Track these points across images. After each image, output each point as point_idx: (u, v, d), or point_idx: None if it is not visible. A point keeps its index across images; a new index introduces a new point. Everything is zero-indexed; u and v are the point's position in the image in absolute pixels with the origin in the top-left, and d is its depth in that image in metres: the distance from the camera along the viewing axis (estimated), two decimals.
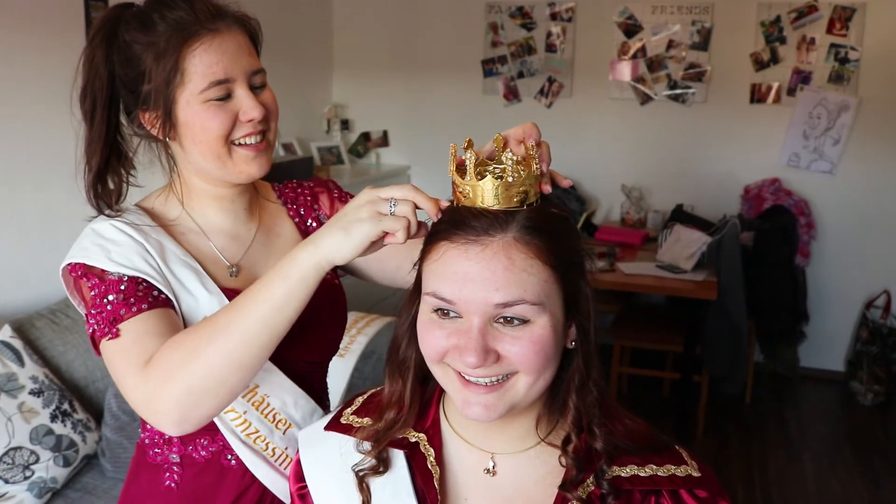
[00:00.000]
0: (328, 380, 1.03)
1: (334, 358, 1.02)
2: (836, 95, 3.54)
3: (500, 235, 0.66)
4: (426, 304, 0.69)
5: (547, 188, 0.71)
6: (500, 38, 3.87)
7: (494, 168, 0.70)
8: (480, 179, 0.67)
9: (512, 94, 3.93)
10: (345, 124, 4.07)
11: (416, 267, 0.72)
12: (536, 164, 0.69)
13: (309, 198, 1.06)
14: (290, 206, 1.04)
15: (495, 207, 0.67)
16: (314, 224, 1.03)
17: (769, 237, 3.39)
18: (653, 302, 3.71)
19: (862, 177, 3.61)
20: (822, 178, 3.65)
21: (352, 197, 0.86)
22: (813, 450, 3.10)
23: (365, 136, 4.04)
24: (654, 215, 3.77)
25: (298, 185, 1.08)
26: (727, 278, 3.01)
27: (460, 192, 0.69)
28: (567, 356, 0.70)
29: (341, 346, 1.42)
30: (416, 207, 0.72)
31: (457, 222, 0.67)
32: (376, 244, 0.73)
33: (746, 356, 3.28)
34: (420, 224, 0.72)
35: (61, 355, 1.96)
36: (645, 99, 3.79)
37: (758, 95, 3.66)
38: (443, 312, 0.68)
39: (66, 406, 1.84)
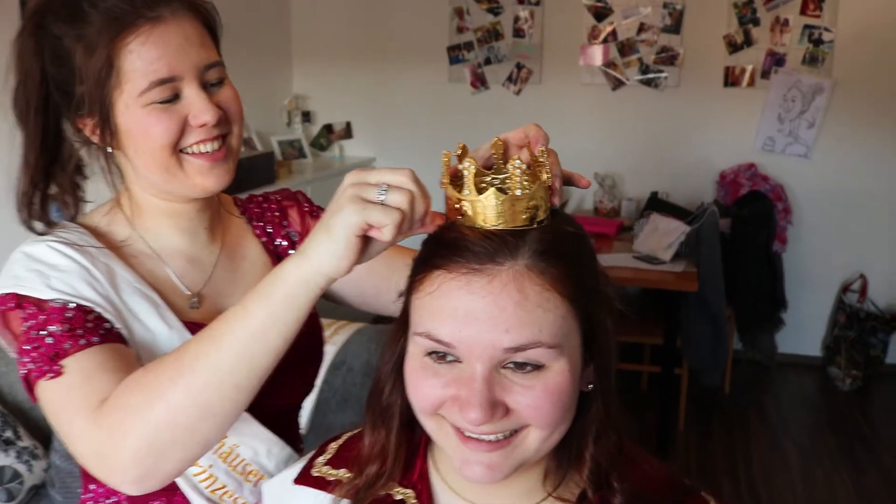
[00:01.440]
0: None
1: None
2: (811, 78, 3.56)
3: (510, 263, 0.60)
4: (417, 346, 0.63)
5: (556, 201, 0.65)
6: (465, 24, 3.84)
7: (493, 179, 0.65)
8: (481, 193, 0.61)
9: (479, 82, 3.90)
10: (306, 116, 4.04)
11: (403, 297, 0.65)
12: (548, 174, 0.64)
13: (277, 213, 0.98)
14: (255, 223, 0.96)
15: (500, 227, 0.61)
16: (284, 243, 0.96)
17: (747, 224, 3.39)
18: (629, 293, 3.63)
19: (837, 160, 3.63)
20: (797, 162, 3.67)
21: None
22: (794, 438, 3.12)
23: (327, 129, 4.03)
24: (629, 203, 3.76)
25: (264, 198, 1.00)
26: (707, 268, 3.00)
27: (456, 209, 0.63)
28: (582, 399, 0.64)
29: None
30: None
31: (455, 246, 0.61)
32: (371, 246, 0.64)
33: (727, 346, 3.28)
34: (427, 214, 0.64)
35: (3, 376, 1.84)
36: (616, 84, 3.79)
37: (731, 79, 3.66)
38: (439, 356, 0.61)
39: (8, 433, 1.73)
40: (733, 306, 3.40)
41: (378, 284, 0.87)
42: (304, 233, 0.95)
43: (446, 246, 0.62)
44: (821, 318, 3.74)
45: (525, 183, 0.63)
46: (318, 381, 0.96)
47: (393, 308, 0.69)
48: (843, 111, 3.56)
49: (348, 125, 4.03)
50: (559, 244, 0.62)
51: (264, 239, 0.95)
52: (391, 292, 0.72)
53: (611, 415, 0.64)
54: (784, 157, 3.68)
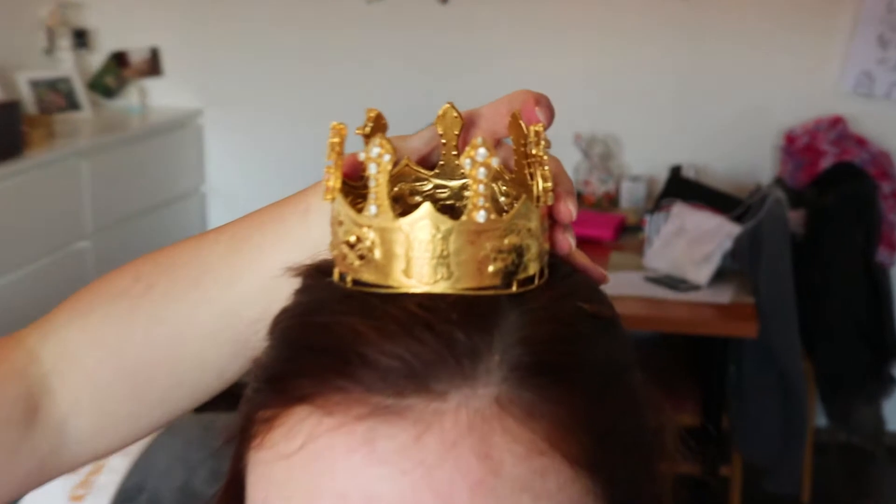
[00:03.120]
0: None
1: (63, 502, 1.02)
2: None
3: (462, 392, 0.57)
4: None
5: (566, 243, 0.67)
6: None
7: (436, 189, 0.70)
8: (405, 214, 0.60)
9: None
10: (80, 38, 4.03)
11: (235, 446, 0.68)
12: (546, 181, 0.63)
13: None
14: None
15: (439, 290, 0.59)
16: None
17: (832, 218, 3.38)
18: (642, 339, 3.51)
19: None
20: None
21: None
22: None
23: (118, 60, 4.06)
24: (633, 186, 3.74)
25: None
26: (771, 295, 2.99)
27: (348, 246, 0.62)
28: None
29: (77, 478, 1.57)
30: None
31: (338, 349, 0.58)
32: None
33: (805, 426, 3.25)
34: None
35: None
36: None
37: None
38: None
39: None
40: (813, 358, 3.43)
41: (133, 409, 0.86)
42: None
43: (319, 346, 0.60)
44: None
45: (501, 198, 0.67)
46: None
47: (222, 382, 0.79)
48: None
49: (154, 55, 4.04)
50: (565, 345, 0.61)
51: None
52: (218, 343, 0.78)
53: None
54: (891, 104, 3.70)
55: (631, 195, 3.74)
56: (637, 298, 2.98)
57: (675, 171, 3.62)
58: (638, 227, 3.44)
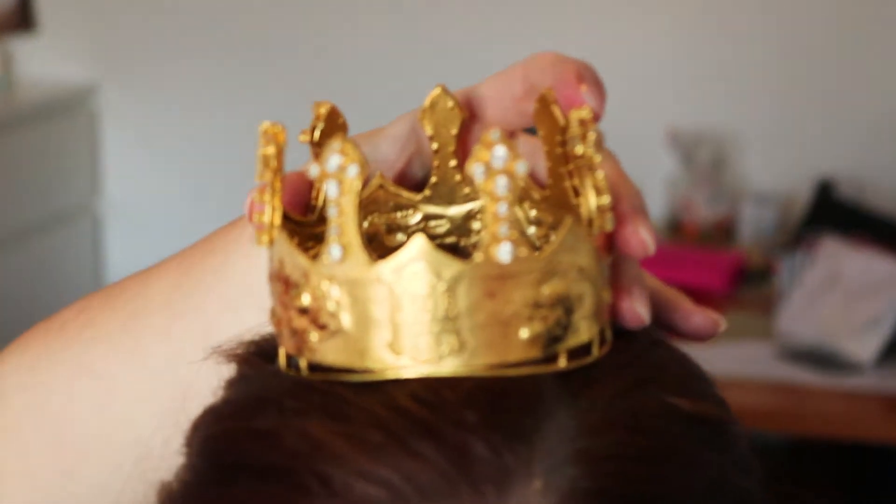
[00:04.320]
0: None
1: None
2: None
3: None
4: None
5: (636, 305, 0.66)
6: None
7: (430, 222, 0.74)
8: (385, 254, 0.62)
9: None
10: None
11: None
12: (602, 196, 0.64)
13: None
14: None
15: (446, 371, 0.61)
16: None
17: None
18: (772, 447, 3.35)
19: None
20: None
21: None
22: None
23: None
24: (758, 210, 3.64)
25: None
26: None
27: (300, 313, 0.64)
28: None
29: None
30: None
31: (292, 467, 0.61)
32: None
33: None
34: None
35: None
36: None
37: None
38: None
39: None
40: None
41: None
42: None
43: (260, 465, 0.62)
44: None
45: (530, 228, 0.71)
46: None
47: None
48: None
49: (25, 4, 4.04)
50: (647, 465, 0.61)
51: None
52: None
53: None
54: None
55: (755, 224, 3.61)
56: (765, 384, 2.90)
57: (825, 189, 3.52)
58: (766, 273, 3.35)
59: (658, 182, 3.71)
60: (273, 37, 4.09)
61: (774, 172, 3.76)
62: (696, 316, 0.70)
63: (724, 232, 3.61)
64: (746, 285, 3.34)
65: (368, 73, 3.93)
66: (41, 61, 4.08)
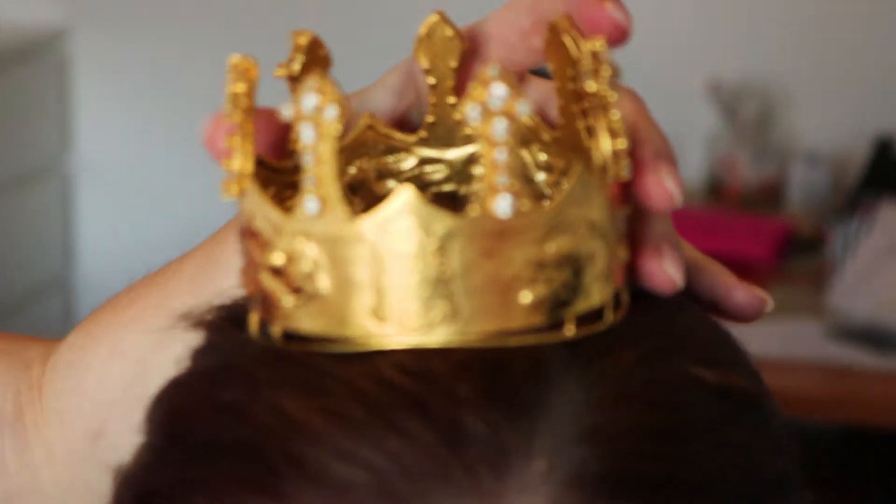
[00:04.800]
0: None
1: None
2: None
3: None
4: None
5: (670, 271, 0.66)
6: None
7: (426, 167, 0.75)
8: (371, 206, 0.63)
9: None
10: None
11: None
12: (618, 140, 0.64)
13: None
14: None
15: (436, 340, 0.61)
16: None
17: None
18: (820, 435, 3.35)
19: None
20: None
21: None
22: None
23: None
24: (809, 171, 3.68)
25: None
26: None
27: (273, 274, 0.64)
28: None
29: None
30: None
31: (262, 445, 0.61)
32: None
33: None
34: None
35: None
36: None
37: None
38: None
39: None
40: None
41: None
42: None
43: (226, 443, 0.62)
44: None
45: (538, 174, 0.71)
46: None
47: None
48: None
49: None
50: (666, 444, 0.62)
51: None
52: None
53: None
54: None
55: (805, 187, 3.63)
56: (814, 365, 3.00)
57: (883, 148, 3.56)
58: (817, 243, 3.41)
59: (697, 139, 3.73)
60: None
61: (827, 129, 3.75)
62: (739, 292, 0.69)
63: (770, 196, 3.61)
64: (795, 256, 3.36)
65: (363, 3, 3.93)
66: (4, 2, 4.04)
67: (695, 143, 3.73)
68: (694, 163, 3.77)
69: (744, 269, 3.12)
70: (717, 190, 3.69)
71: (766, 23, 3.87)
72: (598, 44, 0.63)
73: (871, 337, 3.01)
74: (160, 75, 4.13)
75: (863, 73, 3.81)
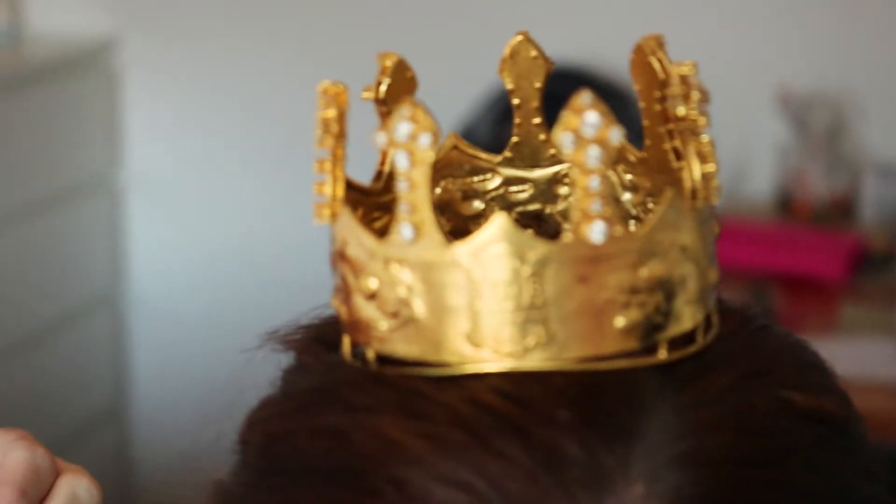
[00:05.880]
0: None
1: None
2: None
3: None
4: None
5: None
6: None
7: (511, 188, 0.79)
8: (458, 236, 0.67)
9: None
10: None
11: None
12: (708, 165, 0.69)
13: None
14: None
15: (532, 364, 0.64)
16: None
17: None
18: (893, 458, 3.26)
19: None
20: None
21: None
22: None
23: None
24: (885, 185, 3.59)
25: None
26: None
27: (366, 298, 0.67)
28: None
29: None
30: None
31: (362, 469, 0.64)
32: None
33: None
34: None
35: None
36: None
37: None
38: None
39: None
40: None
41: None
42: None
43: (326, 467, 0.66)
44: None
45: (625, 195, 0.75)
46: None
47: None
48: None
49: None
50: (759, 469, 0.64)
51: None
52: None
53: None
54: None
55: (879, 201, 3.55)
56: (889, 386, 2.88)
57: None
58: (890, 259, 3.33)
59: (766, 152, 3.69)
60: None
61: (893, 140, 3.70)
62: None
63: (842, 210, 3.55)
64: (867, 273, 3.30)
65: (440, 14, 3.87)
66: (53, 11, 3.98)
67: (763, 156, 3.72)
68: (762, 176, 3.75)
69: (814, 286, 3.11)
70: (786, 204, 3.63)
71: (838, 30, 3.80)
72: (686, 67, 0.67)
73: None
74: (212, 87, 4.08)
75: None
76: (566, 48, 3.62)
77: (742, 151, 3.81)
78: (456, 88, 3.37)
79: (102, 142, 4.05)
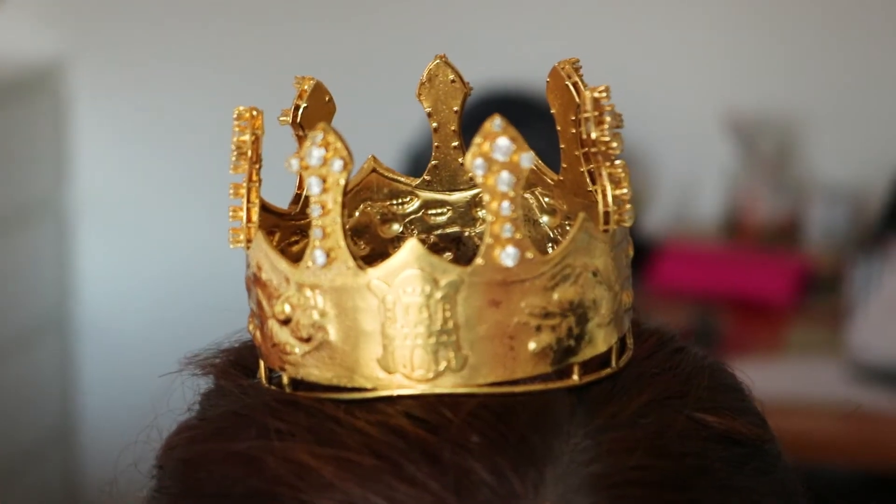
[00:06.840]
0: None
1: None
2: None
3: None
4: None
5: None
6: None
7: (429, 211, 0.79)
8: (372, 262, 0.67)
9: None
10: None
11: None
12: (621, 189, 0.70)
13: None
14: None
15: (443, 388, 0.65)
16: None
17: None
18: (838, 482, 3.29)
19: None
20: None
21: None
22: None
23: None
24: (829, 208, 3.64)
25: None
26: None
27: (281, 324, 0.68)
28: None
29: None
30: None
31: (273, 494, 0.64)
32: None
33: None
34: None
35: None
36: None
37: None
38: None
39: None
40: None
41: None
42: None
43: (238, 492, 0.66)
44: None
45: (542, 217, 0.76)
46: None
47: None
48: None
49: None
50: (671, 492, 0.64)
51: None
52: None
53: None
54: None
55: (825, 223, 3.57)
56: (834, 409, 2.81)
57: None
58: (837, 280, 3.32)
59: (713, 175, 3.72)
60: (272, 1, 4.06)
61: (847, 164, 3.71)
62: None
63: (789, 233, 3.59)
64: (814, 294, 3.33)
65: (368, 45, 3.88)
66: (1, 34, 4.00)
67: (711, 179, 3.76)
68: (711, 199, 3.79)
69: (761, 308, 3.14)
70: (733, 226, 3.68)
71: (784, 57, 3.86)
72: (599, 90, 0.67)
73: (893, 378, 2.95)
74: (160, 111, 4.09)
75: (883, 105, 3.79)
76: (511, 71, 3.68)
77: (690, 174, 3.86)
78: (411, 108, 3.35)
79: (50, 164, 4.06)
